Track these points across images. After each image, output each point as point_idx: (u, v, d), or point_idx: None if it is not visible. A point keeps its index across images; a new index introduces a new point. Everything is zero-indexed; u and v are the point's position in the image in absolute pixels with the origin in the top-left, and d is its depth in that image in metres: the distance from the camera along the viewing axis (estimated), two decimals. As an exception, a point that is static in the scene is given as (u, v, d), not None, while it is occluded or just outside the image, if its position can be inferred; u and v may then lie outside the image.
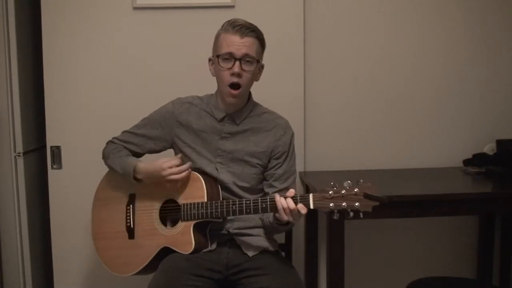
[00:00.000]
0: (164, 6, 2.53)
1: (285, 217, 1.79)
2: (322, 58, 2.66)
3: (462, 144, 2.73)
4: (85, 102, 2.57)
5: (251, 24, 1.96)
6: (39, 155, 2.72)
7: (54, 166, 2.57)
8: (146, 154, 2.15)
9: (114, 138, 2.14)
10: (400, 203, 2.14)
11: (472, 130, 2.75)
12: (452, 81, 2.73)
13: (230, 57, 1.92)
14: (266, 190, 2.05)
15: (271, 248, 2.03)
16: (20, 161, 2.55)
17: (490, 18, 2.71)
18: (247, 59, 1.93)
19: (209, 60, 2.03)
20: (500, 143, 2.68)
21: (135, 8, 2.53)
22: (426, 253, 2.80)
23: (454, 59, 2.72)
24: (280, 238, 2.25)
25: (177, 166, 1.95)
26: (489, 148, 2.70)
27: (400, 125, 2.73)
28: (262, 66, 2.04)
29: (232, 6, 2.54)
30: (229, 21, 1.96)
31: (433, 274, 2.28)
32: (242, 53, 1.92)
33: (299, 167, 2.57)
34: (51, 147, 2.56)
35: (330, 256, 2.16)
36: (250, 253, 1.97)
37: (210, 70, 2.03)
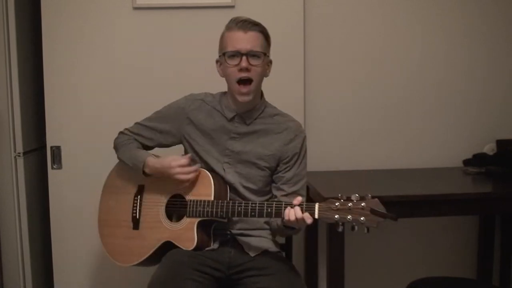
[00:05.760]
0: (164, 6, 2.53)
1: (292, 226, 1.80)
2: (322, 58, 2.66)
3: (462, 144, 2.74)
4: (85, 102, 2.57)
5: (253, 20, 1.95)
6: (39, 155, 2.72)
7: (54, 166, 2.57)
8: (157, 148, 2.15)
9: (125, 129, 2.14)
10: (400, 203, 2.14)
11: (472, 130, 2.75)
12: (452, 81, 2.73)
13: (237, 53, 1.91)
14: (275, 193, 2.03)
15: (273, 249, 2.03)
16: (20, 161, 2.55)
17: (490, 19, 2.71)
18: (254, 53, 1.92)
19: (217, 61, 2.02)
20: (500, 143, 2.68)
21: (135, 8, 2.53)
22: (426, 253, 2.80)
23: (454, 59, 2.72)
24: (280, 238, 2.25)
25: (185, 166, 1.95)
26: (489, 148, 2.70)
27: (400, 125, 2.73)
28: (270, 61, 2.01)
29: (232, 6, 2.55)
30: (231, 19, 1.96)
31: (433, 274, 2.28)
32: (247, 48, 1.90)
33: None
34: (51, 147, 2.56)
35: (330, 256, 2.16)
36: (252, 253, 1.97)
37: (218, 71, 2.01)
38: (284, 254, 2.16)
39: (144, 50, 2.56)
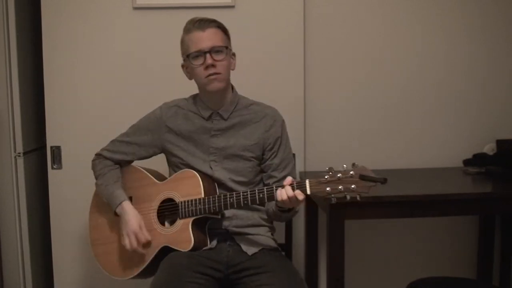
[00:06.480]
0: (164, 6, 2.53)
1: (287, 206, 1.83)
2: (322, 58, 2.66)
3: (462, 144, 2.73)
4: (85, 102, 2.57)
5: (208, 17, 2.00)
6: (39, 155, 2.72)
7: (54, 166, 2.57)
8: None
9: (103, 149, 2.15)
10: (400, 203, 2.14)
11: (472, 130, 2.75)
12: (452, 81, 2.73)
13: (200, 53, 1.95)
14: (266, 181, 2.06)
15: (270, 246, 2.03)
16: (20, 161, 2.55)
17: (490, 19, 2.71)
18: (216, 49, 1.95)
19: (182, 66, 2.06)
20: (500, 143, 2.68)
21: (135, 8, 2.53)
22: (426, 253, 2.80)
23: (454, 59, 2.72)
24: (280, 237, 2.25)
25: (140, 239, 1.97)
26: (489, 148, 2.70)
27: (400, 125, 2.73)
28: (234, 54, 2.06)
29: (232, 6, 2.55)
30: (187, 21, 2.01)
31: (433, 274, 2.28)
32: (209, 45, 1.94)
33: (299, 167, 2.57)
34: (51, 147, 2.56)
35: (330, 256, 2.16)
36: (250, 252, 1.97)
37: (186, 75, 2.06)
38: (283, 253, 2.16)
39: (144, 50, 2.56)
